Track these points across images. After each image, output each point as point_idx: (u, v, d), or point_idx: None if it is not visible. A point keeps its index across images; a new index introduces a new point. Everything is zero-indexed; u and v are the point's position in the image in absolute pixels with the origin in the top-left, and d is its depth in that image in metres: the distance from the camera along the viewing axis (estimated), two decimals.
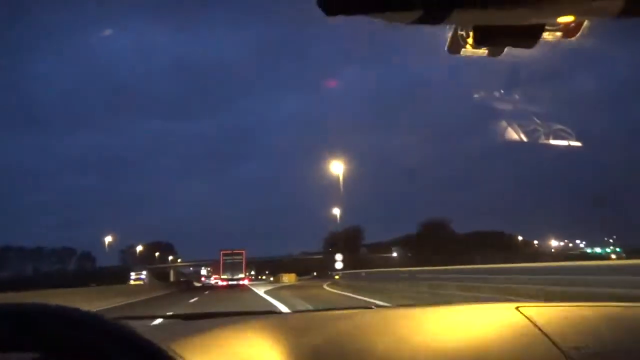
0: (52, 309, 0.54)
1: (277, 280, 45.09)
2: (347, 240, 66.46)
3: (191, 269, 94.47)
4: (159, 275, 68.64)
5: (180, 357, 0.56)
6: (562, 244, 71.44)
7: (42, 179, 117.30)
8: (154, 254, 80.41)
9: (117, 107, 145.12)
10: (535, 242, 71.21)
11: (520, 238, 70.11)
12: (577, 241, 70.98)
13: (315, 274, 65.34)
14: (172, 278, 73.11)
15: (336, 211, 45.10)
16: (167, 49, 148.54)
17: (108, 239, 60.17)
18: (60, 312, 0.54)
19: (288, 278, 45.22)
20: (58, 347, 0.52)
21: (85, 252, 76.91)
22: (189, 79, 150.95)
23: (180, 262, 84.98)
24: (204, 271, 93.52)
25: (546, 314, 1.35)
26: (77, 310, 0.56)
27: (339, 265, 33.30)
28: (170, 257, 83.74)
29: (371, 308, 1.73)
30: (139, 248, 77.63)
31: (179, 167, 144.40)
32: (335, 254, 35.16)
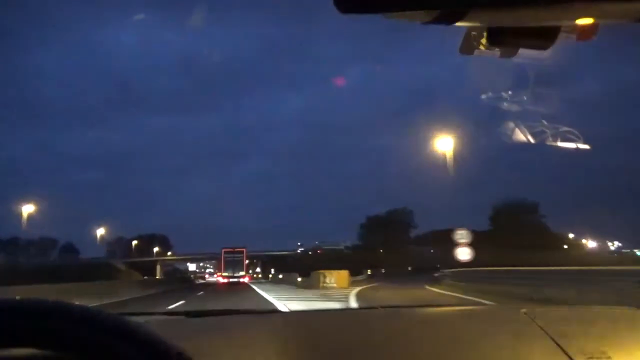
0: (63, 306, 0.54)
1: (314, 284, 24.94)
2: (394, 225, 50.72)
3: (188, 264, 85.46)
4: (143, 270, 59.80)
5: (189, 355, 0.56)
6: (608, 244, 67.79)
7: (44, 174, 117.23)
8: (147, 247, 70.20)
9: (120, 103, 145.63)
10: (584, 240, 65.31)
11: (571, 236, 60.22)
12: (616, 242, 68.12)
13: (369, 272, 45.45)
14: (158, 274, 62.58)
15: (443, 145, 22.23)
16: (172, 45, 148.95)
17: (35, 211, 41.53)
18: (71, 309, 0.54)
19: (337, 279, 24.81)
20: (68, 344, 0.52)
21: (68, 244, 68.67)
22: (191, 75, 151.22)
23: (170, 256, 72.88)
24: (192, 267, 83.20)
25: (552, 317, 1.34)
26: (85, 307, 0.55)
27: (464, 253, 17.48)
28: (156, 249, 70.78)
29: (376, 308, 1.72)
30: (99, 231, 61.72)
31: (181, 163, 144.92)
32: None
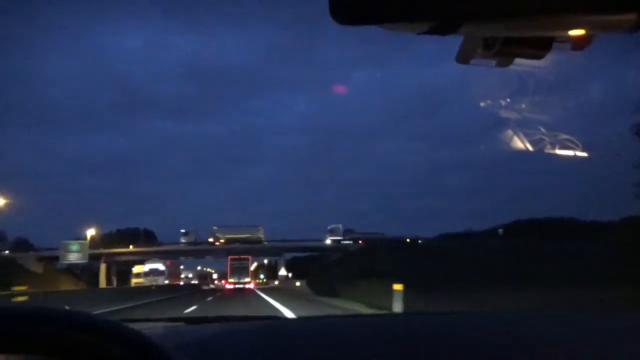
0: (64, 313, 0.54)
1: None
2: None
3: (183, 267, 68.13)
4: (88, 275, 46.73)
5: None
6: None
7: (46, 176, 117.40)
8: (130, 241, 53.93)
9: (122, 107, 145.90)
10: None
11: None
12: None
13: None
14: (103, 282, 44.70)
15: None
16: (179, 50, 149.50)
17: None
18: (71, 316, 0.53)
19: None
20: (68, 350, 0.52)
21: (21, 239, 55.27)
22: (188, 80, 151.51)
23: (133, 249, 49.99)
24: (145, 268, 49.27)
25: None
26: (89, 314, 0.55)
27: None
28: (91, 231, 45.19)
29: (378, 316, 1.73)
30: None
31: (178, 165, 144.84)
32: None
